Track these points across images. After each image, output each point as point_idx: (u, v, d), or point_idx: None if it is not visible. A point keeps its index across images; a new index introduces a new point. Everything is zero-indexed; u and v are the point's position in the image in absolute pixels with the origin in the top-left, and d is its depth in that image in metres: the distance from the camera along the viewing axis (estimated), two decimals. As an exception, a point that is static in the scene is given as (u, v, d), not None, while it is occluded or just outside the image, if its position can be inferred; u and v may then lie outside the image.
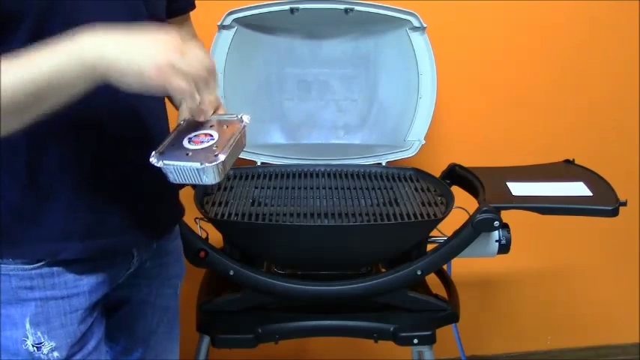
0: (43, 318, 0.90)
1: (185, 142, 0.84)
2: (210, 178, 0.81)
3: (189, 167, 0.80)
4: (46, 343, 0.91)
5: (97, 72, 0.73)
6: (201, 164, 0.80)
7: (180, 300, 1.14)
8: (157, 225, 1.02)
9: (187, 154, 0.82)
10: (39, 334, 0.90)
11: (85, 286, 0.93)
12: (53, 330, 0.91)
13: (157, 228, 1.02)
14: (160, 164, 0.81)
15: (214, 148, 0.83)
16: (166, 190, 1.01)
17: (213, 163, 0.80)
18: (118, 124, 0.89)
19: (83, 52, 0.72)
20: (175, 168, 0.81)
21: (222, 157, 0.81)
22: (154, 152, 0.82)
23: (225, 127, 0.87)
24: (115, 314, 1.05)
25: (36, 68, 0.71)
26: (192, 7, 1.10)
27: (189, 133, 0.86)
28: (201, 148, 0.83)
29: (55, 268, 0.90)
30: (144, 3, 0.90)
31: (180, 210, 1.09)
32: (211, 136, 0.85)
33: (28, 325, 0.90)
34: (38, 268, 0.89)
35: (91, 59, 0.72)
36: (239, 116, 0.90)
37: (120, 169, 0.92)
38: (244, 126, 0.88)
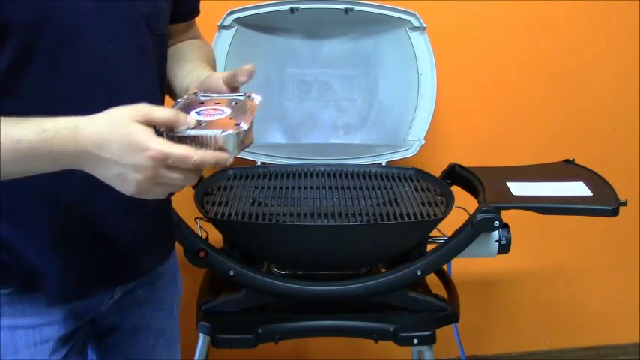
0: (11, 349, 0.83)
1: (193, 115, 0.76)
2: (230, 148, 0.73)
3: (208, 135, 0.72)
4: None
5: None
6: (222, 131, 0.72)
7: (180, 300, 1.14)
8: (140, 265, 0.96)
9: (201, 124, 0.74)
10: None
11: (57, 314, 0.86)
12: None
13: (141, 267, 0.97)
14: (171, 135, 0.73)
15: (230, 119, 0.76)
16: (153, 228, 0.96)
17: (236, 131, 0.73)
18: None
19: (73, 159, 0.71)
20: (191, 139, 0.72)
21: (244, 126, 0.74)
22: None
23: (234, 103, 0.81)
24: (106, 340, 1.00)
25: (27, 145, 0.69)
26: (197, 13, 1.06)
27: (194, 107, 0.79)
28: (216, 120, 0.76)
29: (25, 294, 0.83)
30: (144, 20, 0.86)
31: (171, 240, 1.04)
32: (221, 110, 0.78)
33: None
34: (7, 294, 0.82)
35: (78, 166, 0.72)
36: (247, 94, 0.83)
37: (104, 207, 0.86)
38: (257, 104, 0.81)
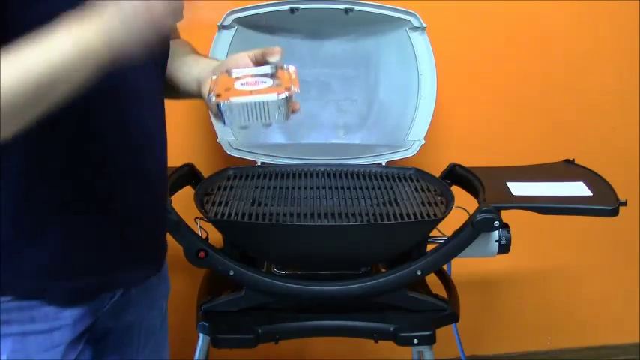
0: (22, 355, 0.82)
1: (238, 86, 0.77)
2: (282, 114, 0.75)
3: (262, 101, 0.73)
4: None
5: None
6: (278, 95, 0.74)
7: (179, 300, 1.13)
8: (148, 263, 0.97)
9: (250, 92, 0.75)
10: None
11: (68, 318, 0.85)
12: None
13: (148, 266, 0.98)
14: (224, 102, 0.73)
15: (277, 87, 0.76)
16: (156, 228, 0.97)
17: (290, 93, 0.75)
18: (113, 170, 0.84)
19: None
20: (244, 105, 0.73)
21: (295, 89, 0.76)
22: (210, 94, 0.76)
23: (269, 75, 0.81)
24: (99, 343, 0.98)
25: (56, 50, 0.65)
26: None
27: (235, 81, 0.79)
28: (264, 87, 0.76)
29: (34, 301, 0.82)
30: (160, 62, 0.89)
31: (165, 245, 1.05)
32: (264, 81, 0.78)
33: None
34: (15, 300, 0.81)
35: (99, 30, 0.66)
36: (278, 66, 0.83)
37: (113, 210, 0.86)
38: (295, 72, 0.82)
